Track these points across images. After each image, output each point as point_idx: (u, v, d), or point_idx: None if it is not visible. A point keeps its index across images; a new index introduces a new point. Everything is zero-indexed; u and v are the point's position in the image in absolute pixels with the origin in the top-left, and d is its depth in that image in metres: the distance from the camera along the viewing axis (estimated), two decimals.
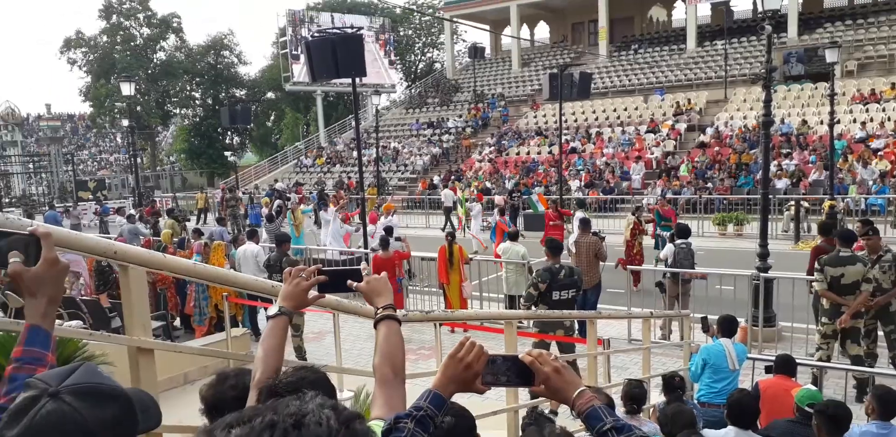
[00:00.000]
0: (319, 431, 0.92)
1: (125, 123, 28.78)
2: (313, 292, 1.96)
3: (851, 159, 20.01)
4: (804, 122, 23.26)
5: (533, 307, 6.78)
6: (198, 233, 10.95)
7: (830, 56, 16.85)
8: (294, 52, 36.98)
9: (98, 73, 44.70)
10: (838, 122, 20.90)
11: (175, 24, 47.65)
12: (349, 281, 1.91)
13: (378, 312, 1.82)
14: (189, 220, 24.20)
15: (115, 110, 45.10)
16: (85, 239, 2.22)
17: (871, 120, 22.37)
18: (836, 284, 6.55)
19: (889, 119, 22.04)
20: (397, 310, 1.87)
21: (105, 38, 45.71)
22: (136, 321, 2.27)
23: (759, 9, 8.75)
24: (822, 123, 21.66)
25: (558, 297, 6.71)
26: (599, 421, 1.35)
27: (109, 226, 17.56)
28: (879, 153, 20.07)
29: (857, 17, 30.12)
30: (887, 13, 29.48)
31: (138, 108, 43.90)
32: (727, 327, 5.58)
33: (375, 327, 1.79)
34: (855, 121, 22.65)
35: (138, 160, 47.16)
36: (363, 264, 10.16)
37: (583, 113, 30.31)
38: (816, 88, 25.38)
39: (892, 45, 26.79)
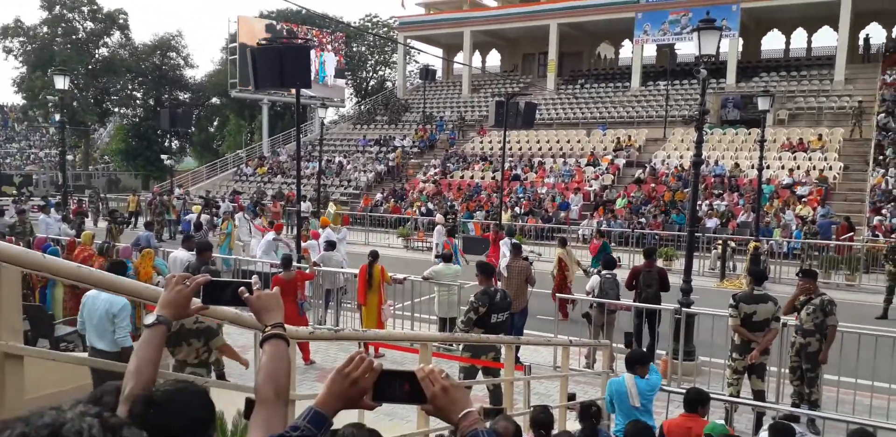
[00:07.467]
0: None
1: (58, 117, 27.75)
2: (197, 302, 1.86)
3: (777, 204, 20.90)
4: (736, 165, 24.21)
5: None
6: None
7: (763, 104, 17.65)
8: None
9: (35, 64, 43.08)
10: (767, 167, 21.87)
11: (121, 21, 46.51)
12: (241, 292, 1.80)
13: (266, 329, 1.73)
14: (129, 223, 23.48)
15: (49, 104, 43.51)
16: None
17: (798, 168, 23.46)
18: (749, 321, 6.79)
19: (814, 168, 23.16)
20: (307, 327, 1.80)
21: (45, 29, 44.20)
22: (4, 325, 2.09)
23: (697, 53, 9.13)
24: (752, 167, 22.56)
25: (495, 320, 6.69)
26: None
27: (34, 224, 16.72)
28: (804, 200, 21.04)
29: (791, 69, 31.76)
30: (819, 67, 31.17)
31: (74, 103, 42.46)
32: (631, 362, 5.37)
33: (262, 345, 1.70)
34: (783, 167, 23.70)
35: (71, 158, 45.63)
36: (255, 278, 9.69)
37: (528, 142, 30.80)
38: (750, 133, 26.49)
39: (822, 98, 28.26)
